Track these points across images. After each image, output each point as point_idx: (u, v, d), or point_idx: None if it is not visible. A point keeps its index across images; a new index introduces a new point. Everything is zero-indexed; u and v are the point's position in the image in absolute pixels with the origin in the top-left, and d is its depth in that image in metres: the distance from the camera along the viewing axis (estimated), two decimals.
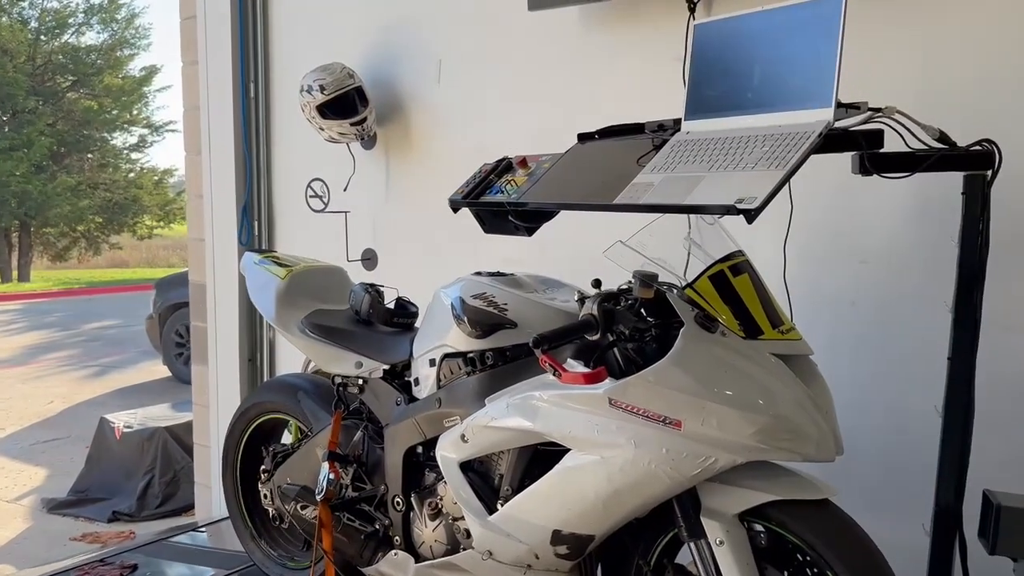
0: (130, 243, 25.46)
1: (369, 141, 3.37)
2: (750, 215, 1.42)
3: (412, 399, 2.07)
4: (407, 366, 2.13)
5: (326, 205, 3.42)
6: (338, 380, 2.26)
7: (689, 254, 1.75)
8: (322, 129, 3.20)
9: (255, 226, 3.73)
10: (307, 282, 2.39)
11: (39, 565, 3.34)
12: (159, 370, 8.28)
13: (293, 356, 3.32)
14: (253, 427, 2.55)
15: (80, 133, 22.34)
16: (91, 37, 22.65)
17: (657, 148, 1.75)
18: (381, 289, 2.32)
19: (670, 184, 1.63)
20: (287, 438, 2.73)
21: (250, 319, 3.77)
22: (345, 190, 3.34)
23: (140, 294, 13.22)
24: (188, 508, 4.18)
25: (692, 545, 1.63)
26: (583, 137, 2.02)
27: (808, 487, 1.57)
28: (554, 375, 1.56)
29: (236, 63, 3.61)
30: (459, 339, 1.90)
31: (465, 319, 1.87)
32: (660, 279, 1.67)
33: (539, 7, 2.66)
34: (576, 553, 1.73)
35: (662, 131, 1.84)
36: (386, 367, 2.15)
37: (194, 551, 2.86)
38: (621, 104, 2.56)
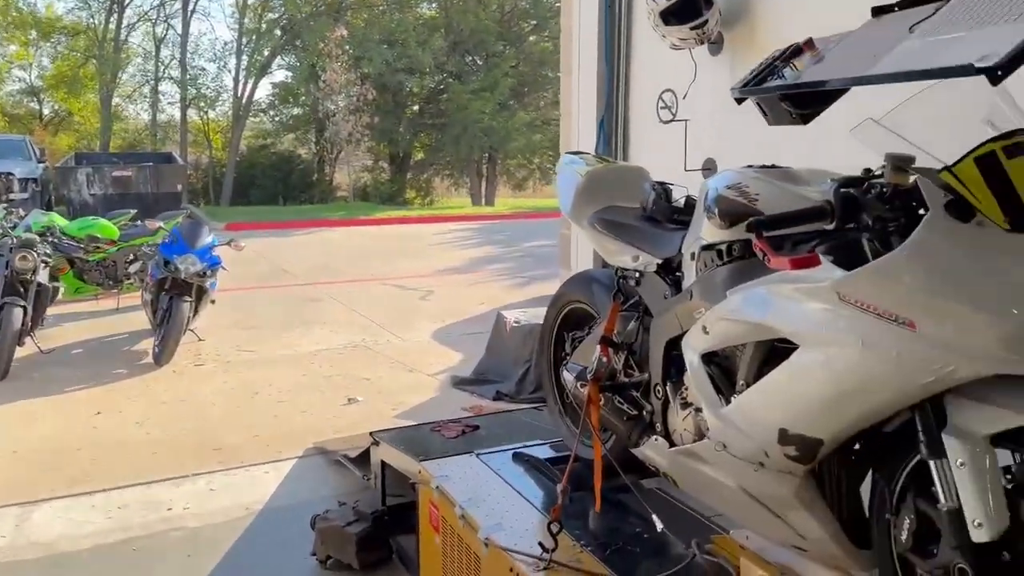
0: None
1: (715, 46, 3.30)
2: (993, 74, 1.18)
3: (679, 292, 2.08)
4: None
5: (674, 116, 3.46)
6: (619, 273, 2.35)
7: None
8: (664, 36, 3.23)
9: (612, 139, 3.92)
10: (605, 180, 2.50)
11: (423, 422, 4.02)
12: None
13: None
14: (563, 315, 2.77)
15: (538, 73, 24.78)
16: None
17: (938, 9, 1.50)
18: (670, 187, 2.33)
19: (926, 49, 1.40)
20: None
21: None
22: (684, 98, 3.34)
23: None
24: None
25: (932, 465, 1.44)
26: (878, 11, 1.79)
27: None
28: (763, 259, 1.48)
29: None
30: (711, 231, 1.86)
31: (715, 210, 1.82)
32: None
33: None
34: (806, 457, 1.62)
35: None
36: (659, 261, 2.18)
37: (527, 425, 3.22)
38: None
